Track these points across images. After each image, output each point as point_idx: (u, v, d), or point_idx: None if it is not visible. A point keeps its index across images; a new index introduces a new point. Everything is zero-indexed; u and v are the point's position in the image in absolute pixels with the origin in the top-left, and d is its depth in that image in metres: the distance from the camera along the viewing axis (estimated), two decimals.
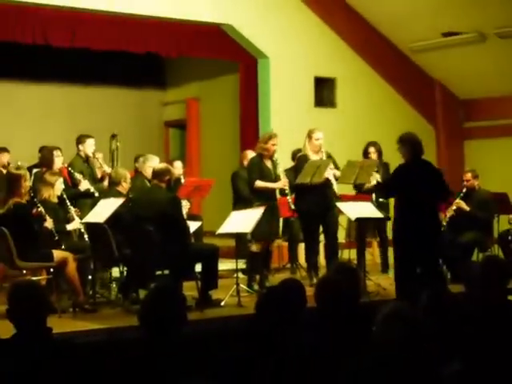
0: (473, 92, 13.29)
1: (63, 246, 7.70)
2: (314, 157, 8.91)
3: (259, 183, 8.55)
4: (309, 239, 9.07)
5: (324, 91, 12.78)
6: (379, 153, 9.67)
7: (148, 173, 8.62)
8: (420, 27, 12.33)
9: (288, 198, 8.87)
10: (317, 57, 12.47)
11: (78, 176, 8.96)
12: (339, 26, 12.65)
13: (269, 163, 8.65)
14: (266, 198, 8.52)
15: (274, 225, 8.72)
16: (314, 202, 8.71)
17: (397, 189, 7.45)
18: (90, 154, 9.32)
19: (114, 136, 10.37)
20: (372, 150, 9.65)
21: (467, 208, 9.29)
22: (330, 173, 8.83)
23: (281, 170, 8.72)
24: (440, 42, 12.45)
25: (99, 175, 9.35)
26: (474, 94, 13.30)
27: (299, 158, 9.06)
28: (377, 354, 3.07)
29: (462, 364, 3.12)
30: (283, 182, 8.66)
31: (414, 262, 7.33)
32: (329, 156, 9.04)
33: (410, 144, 7.41)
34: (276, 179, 8.63)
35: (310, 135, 9.00)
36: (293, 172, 9.28)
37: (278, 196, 9.09)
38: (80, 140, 9.39)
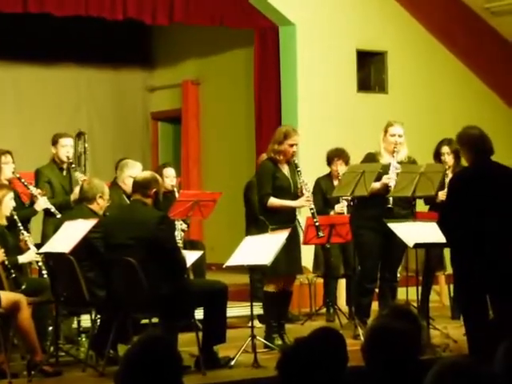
0: None
1: (23, 287, 7.74)
2: (386, 158, 8.97)
3: (274, 201, 8.53)
4: (362, 272, 9.13)
5: (370, 70, 12.82)
6: (456, 154, 9.36)
7: (127, 184, 8.64)
8: None
9: (315, 219, 8.79)
10: (360, 23, 12.51)
11: (35, 191, 8.97)
12: None
13: (286, 170, 8.66)
14: (283, 219, 8.55)
15: (295, 255, 8.69)
16: (375, 221, 8.72)
17: (453, 212, 7.41)
18: (64, 159, 9.33)
19: (80, 135, 10.41)
20: (446, 150, 9.56)
21: None
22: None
23: (303, 180, 8.69)
24: None
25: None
26: None
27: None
28: None
29: None
30: (306, 198, 8.62)
31: (485, 306, 7.32)
32: (413, 161, 9.12)
33: (469, 144, 7.43)
34: (296, 192, 8.64)
35: (385, 129, 9.11)
36: (330, 181, 9.60)
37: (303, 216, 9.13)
38: (52, 140, 9.42)
